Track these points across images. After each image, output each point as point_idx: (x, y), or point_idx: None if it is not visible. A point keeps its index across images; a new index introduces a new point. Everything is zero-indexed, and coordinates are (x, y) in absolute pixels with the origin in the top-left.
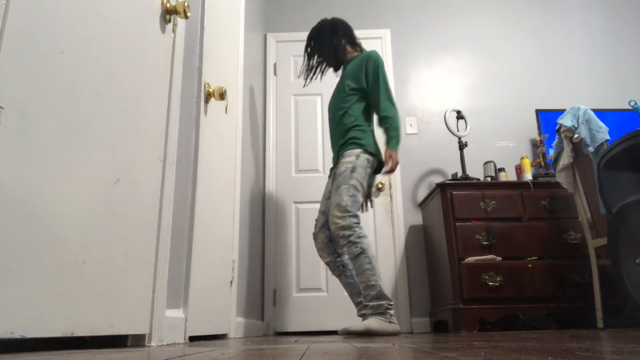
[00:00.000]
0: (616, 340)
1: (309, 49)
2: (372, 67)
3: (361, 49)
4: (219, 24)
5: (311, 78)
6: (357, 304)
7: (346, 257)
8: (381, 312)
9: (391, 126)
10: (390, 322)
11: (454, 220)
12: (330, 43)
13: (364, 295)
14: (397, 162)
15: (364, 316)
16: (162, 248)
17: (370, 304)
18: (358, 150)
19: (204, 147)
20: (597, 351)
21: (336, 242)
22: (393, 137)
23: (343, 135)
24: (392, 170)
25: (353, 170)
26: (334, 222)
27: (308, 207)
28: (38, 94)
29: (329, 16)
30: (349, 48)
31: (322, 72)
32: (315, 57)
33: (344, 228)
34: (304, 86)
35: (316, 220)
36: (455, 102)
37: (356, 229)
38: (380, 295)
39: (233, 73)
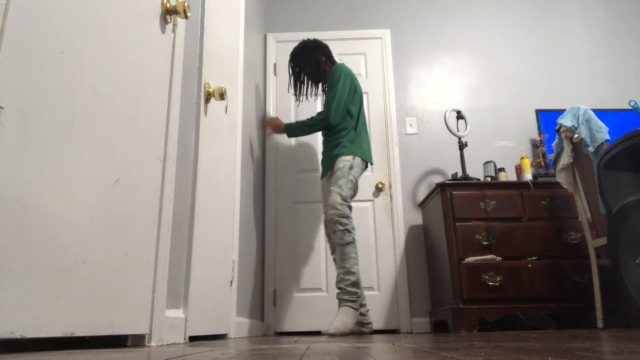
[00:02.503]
0: (616, 340)
1: (295, 67)
2: (333, 77)
3: (333, 63)
4: (219, 24)
5: (304, 95)
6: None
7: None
8: (353, 300)
9: (313, 120)
10: (356, 309)
11: (454, 220)
12: (313, 59)
13: (343, 279)
14: (272, 126)
15: (340, 302)
16: (162, 248)
17: (347, 289)
18: (353, 154)
19: (204, 147)
20: (597, 351)
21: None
22: (301, 124)
23: (335, 146)
24: (268, 124)
25: (351, 167)
26: (334, 207)
27: (308, 207)
28: (38, 94)
29: (329, 18)
30: (321, 68)
31: (310, 87)
32: (302, 74)
33: (343, 216)
34: (297, 103)
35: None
36: (455, 102)
37: (351, 220)
38: (356, 283)
39: (233, 73)
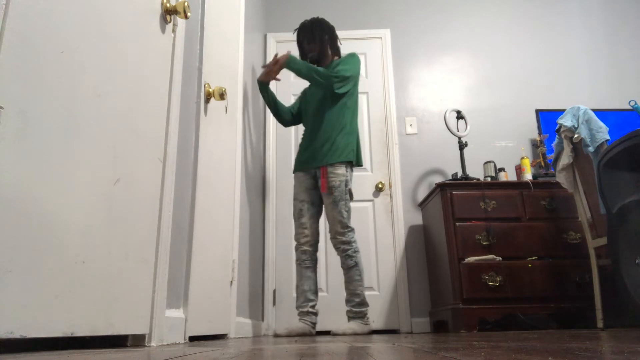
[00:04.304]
0: (616, 340)
1: (301, 43)
2: (349, 57)
3: (339, 55)
4: (219, 24)
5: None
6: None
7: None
8: (361, 316)
9: (321, 70)
10: (366, 324)
11: (454, 220)
12: (319, 40)
13: (350, 300)
14: (278, 62)
15: (348, 318)
16: (162, 248)
17: (354, 309)
18: (347, 163)
19: (204, 147)
20: (597, 351)
21: (334, 248)
22: (309, 65)
23: (328, 140)
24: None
25: (347, 184)
26: (336, 237)
27: None
28: (38, 94)
29: (329, 18)
30: (329, 50)
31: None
32: (307, 53)
33: (344, 243)
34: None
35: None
36: (455, 102)
37: (353, 244)
38: (363, 302)
39: (233, 73)
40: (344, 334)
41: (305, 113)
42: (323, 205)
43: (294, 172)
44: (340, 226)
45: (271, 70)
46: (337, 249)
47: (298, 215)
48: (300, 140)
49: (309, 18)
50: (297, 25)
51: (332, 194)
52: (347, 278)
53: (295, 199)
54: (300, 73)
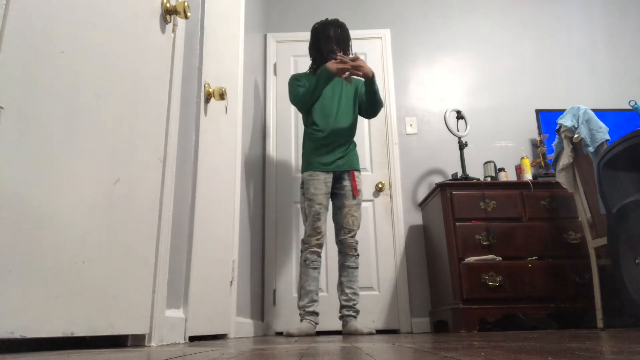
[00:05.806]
0: (616, 340)
1: (339, 42)
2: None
3: None
4: (219, 24)
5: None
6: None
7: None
8: (357, 315)
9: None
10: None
11: (454, 220)
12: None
13: (351, 299)
14: (363, 68)
15: (348, 317)
16: (162, 248)
17: (355, 307)
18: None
19: (204, 147)
20: (597, 351)
21: (346, 246)
22: (378, 90)
23: (352, 147)
24: (360, 67)
25: None
26: (353, 237)
27: None
28: (38, 94)
29: (329, 17)
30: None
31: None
32: (336, 47)
33: (357, 242)
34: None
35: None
36: (455, 102)
37: None
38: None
39: (233, 73)
40: (362, 334)
41: (329, 109)
42: (338, 207)
43: (314, 170)
44: (358, 227)
45: (345, 66)
46: (349, 247)
47: (315, 219)
48: (299, 141)
49: (310, 19)
50: (297, 25)
51: (357, 197)
52: (352, 277)
53: (312, 200)
54: (375, 92)
